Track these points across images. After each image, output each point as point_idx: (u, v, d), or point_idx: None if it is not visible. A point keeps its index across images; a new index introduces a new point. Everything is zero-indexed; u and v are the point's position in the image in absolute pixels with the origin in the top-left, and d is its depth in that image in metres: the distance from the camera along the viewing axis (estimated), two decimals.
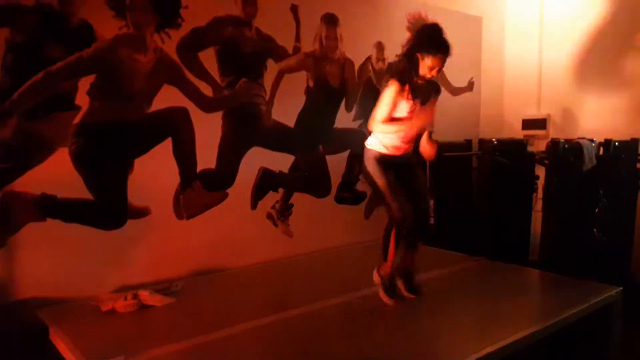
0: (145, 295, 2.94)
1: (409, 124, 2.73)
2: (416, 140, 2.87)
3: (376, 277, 2.94)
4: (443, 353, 2.51)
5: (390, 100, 2.70)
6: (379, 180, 2.81)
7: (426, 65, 2.65)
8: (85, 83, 2.96)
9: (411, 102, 2.72)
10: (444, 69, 2.77)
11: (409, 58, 2.70)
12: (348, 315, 2.82)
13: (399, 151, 2.84)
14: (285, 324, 2.68)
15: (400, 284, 2.95)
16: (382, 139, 2.82)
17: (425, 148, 2.85)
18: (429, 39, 2.65)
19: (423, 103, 2.77)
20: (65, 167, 2.93)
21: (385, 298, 2.87)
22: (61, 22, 2.87)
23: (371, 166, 2.83)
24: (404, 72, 2.72)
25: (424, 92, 2.76)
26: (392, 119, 2.73)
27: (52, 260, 2.91)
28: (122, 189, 3.14)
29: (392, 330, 2.63)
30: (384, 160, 2.81)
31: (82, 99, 2.97)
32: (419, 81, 2.72)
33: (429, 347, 2.50)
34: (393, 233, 2.85)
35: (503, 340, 2.40)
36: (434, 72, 2.68)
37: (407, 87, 2.69)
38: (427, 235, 3.04)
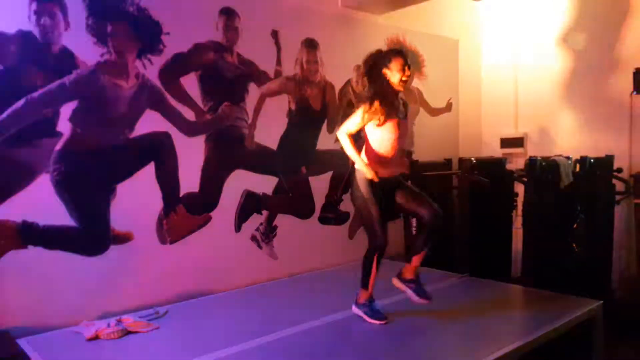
0: (129, 322, 2.92)
1: (364, 164, 2.84)
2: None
3: (357, 311, 3.00)
4: None
5: (359, 117, 2.82)
6: (371, 207, 2.86)
7: (396, 71, 2.80)
8: (67, 109, 2.97)
9: (395, 120, 2.82)
10: (422, 89, 2.87)
11: (376, 78, 2.84)
12: (335, 337, 2.82)
13: (387, 173, 2.91)
14: (272, 346, 2.67)
15: (409, 291, 2.99)
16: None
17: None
18: (382, 53, 2.86)
19: (404, 119, 2.92)
20: (47, 194, 2.91)
21: (374, 321, 2.91)
22: (42, 50, 2.89)
23: (363, 189, 2.87)
24: (375, 92, 2.83)
25: (399, 110, 2.89)
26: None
27: (33, 288, 2.87)
28: (105, 214, 3.13)
29: (378, 349, 2.64)
30: (376, 183, 2.87)
31: (64, 125, 2.97)
32: (394, 94, 2.85)
33: None
34: (375, 260, 2.90)
35: (487, 357, 2.42)
36: (407, 74, 2.82)
37: (378, 105, 2.78)
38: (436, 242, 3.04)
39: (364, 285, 2.96)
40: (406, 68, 2.82)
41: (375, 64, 2.85)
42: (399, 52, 2.87)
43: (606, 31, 4.76)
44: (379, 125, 2.81)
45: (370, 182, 2.86)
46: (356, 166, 2.88)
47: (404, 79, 2.82)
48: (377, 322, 2.90)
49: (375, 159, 2.89)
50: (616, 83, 4.68)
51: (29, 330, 2.80)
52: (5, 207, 2.79)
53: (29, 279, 2.87)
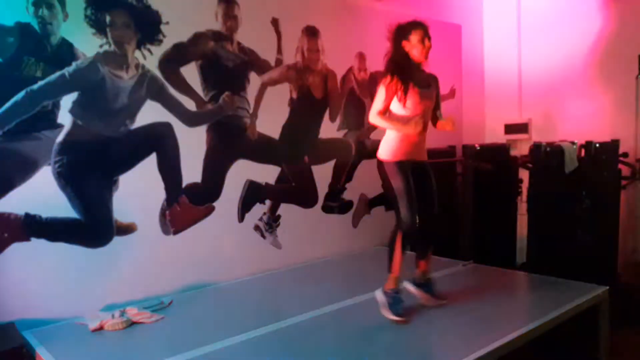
0: (133, 313, 2.92)
1: (404, 125, 2.75)
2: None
3: (380, 297, 2.84)
4: (435, 357, 2.53)
5: (382, 93, 2.76)
6: (395, 181, 2.80)
7: (415, 44, 2.75)
8: (67, 101, 2.95)
9: (415, 91, 2.76)
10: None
11: (395, 51, 2.80)
12: (341, 325, 2.81)
13: (413, 152, 2.85)
14: (277, 336, 2.67)
15: (421, 295, 2.98)
16: (394, 145, 2.83)
17: (444, 126, 2.97)
18: (400, 27, 2.80)
19: (426, 89, 2.83)
20: (49, 186, 2.91)
21: (393, 317, 2.75)
22: (41, 41, 2.87)
23: (390, 166, 2.83)
24: (393, 66, 2.79)
25: (422, 82, 2.82)
26: (390, 114, 2.81)
27: (38, 281, 2.88)
28: (108, 206, 3.12)
29: (384, 336, 2.63)
30: (403, 164, 2.82)
31: (65, 117, 2.95)
32: (415, 66, 2.79)
33: (421, 351, 2.51)
34: (399, 241, 2.81)
35: (494, 343, 2.42)
36: (427, 45, 2.77)
37: (396, 79, 2.73)
38: (436, 241, 3.10)
39: (388, 269, 2.84)
40: (426, 40, 2.76)
41: (395, 36, 2.80)
42: (419, 24, 2.78)
43: (611, 14, 4.70)
44: (399, 100, 2.75)
45: (400, 161, 2.81)
46: (400, 131, 2.79)
47: (423, 51, 2.77)
48: (394, 317, 2.73)
49: (403, 138, 2.82)
50: (621, 67, 4.62)
51: (34, 323, 2.81)
52: (7, 200, 2.79)
53: (33, 271, 2.87)
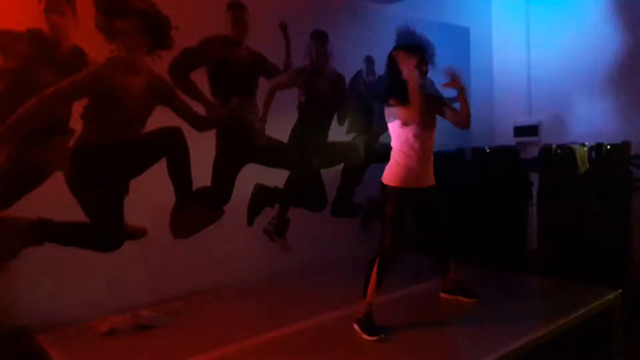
0: (145, 316, 2.94)
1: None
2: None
3: (356, 327, 2.73)
4: None
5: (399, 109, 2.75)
6: (388, 206, 2.80)
7: (411, 65, 2.72)
8: (78, 107, 2.98)
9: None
10: (434, 79, 2.83)
11: (391, 72, 2.80)
12: (350, 328, 2.80)
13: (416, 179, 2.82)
14: (287, 339, 2.67)
15: (460, 297, 3.13)
16: (396, 172, 2.81)
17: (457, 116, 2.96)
18: (401, 48, 2.78)
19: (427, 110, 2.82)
20: (61, 191, 2.93)
21: (367, 337, 2.65)
22: (53, 48, 2.90)
23: (389, 190, 2.81)
24: (389, 88, 2.81)
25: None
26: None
27: (50, 285, 2.90)
28: (119, 210, 3.15)
29: (393, 340, 2.62)
30: (403, 191, 2.80)
31: (76, 123, 2.98)
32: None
33: (430, 356, 2.49)
34: (377, 266, 2.77)
35: (505, 347, 2.41)
36: (424, 70, 2.77)
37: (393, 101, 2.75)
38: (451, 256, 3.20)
39: (363, 294, 2.78)
40: (422, 65, 2.74)
41: (392, 61, 2.80)
42: (415, 48, 2.76)
43: (622, 13, 4.67)
44: (403, 124, 2.76)
45: (400, 188, 2.79)
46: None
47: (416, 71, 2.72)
48: (374, 338, 2.63)
49: (405, 166, 2.80)
50: (631, 67, 4.59)
51: (46, 326, 2.82)
52: (21, 205, 2.82)
53: (45, 275, 2.90)
